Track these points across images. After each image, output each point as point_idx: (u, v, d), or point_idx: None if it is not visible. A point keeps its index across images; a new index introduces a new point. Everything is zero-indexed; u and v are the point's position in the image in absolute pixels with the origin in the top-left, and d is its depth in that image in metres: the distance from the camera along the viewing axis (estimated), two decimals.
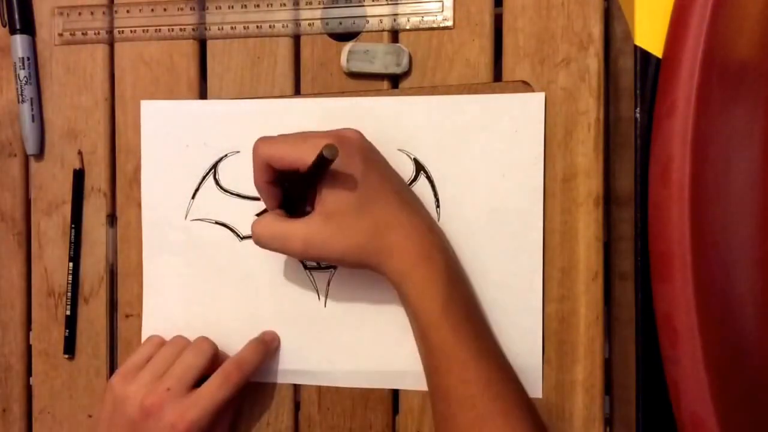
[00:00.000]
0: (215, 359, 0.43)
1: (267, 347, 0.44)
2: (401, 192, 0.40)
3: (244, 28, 0.46)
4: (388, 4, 0.44)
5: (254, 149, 0.39)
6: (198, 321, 0.46)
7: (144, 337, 0.47)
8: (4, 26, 0.48)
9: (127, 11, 0.47)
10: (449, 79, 0.44)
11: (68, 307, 0.47)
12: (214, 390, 0.41)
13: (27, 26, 0.48)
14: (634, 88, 0.40)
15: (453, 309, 0.38)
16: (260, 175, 0.40)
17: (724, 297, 0.36)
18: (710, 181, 0.36)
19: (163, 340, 0.45)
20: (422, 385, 0.43)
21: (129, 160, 0.47)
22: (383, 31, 0.44)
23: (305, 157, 0.37)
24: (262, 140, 0.40)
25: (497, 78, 0.44)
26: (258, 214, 0.44)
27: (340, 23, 0.45)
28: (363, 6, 0.44)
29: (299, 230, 0.38)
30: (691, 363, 0.36)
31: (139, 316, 0.47)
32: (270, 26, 0.45)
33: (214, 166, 0.46)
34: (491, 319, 0.43)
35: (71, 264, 0.47)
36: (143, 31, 0.47)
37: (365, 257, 0.39)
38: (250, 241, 0.45)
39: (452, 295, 0.38)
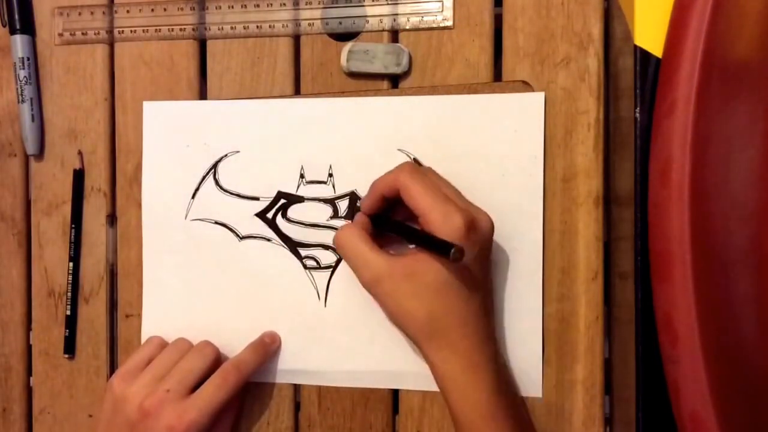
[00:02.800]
0: (217, 363, 0.43)
1: (266, 348, 0.44)
2: (486, 295, 0.40)
3: (244, 28, 0.46)
4: (388, 4, 0.44)
5: (399, 169, 0.39)
6: (198, 321, 0.46)
7: (144, 336, 0.47)
8: (4, 26, 0.48)
9: (127, 11, 0.47)
10: (449, 79, 0.44)
11: (68, 307, 0.47)
12: (212, 391, 0.41)
13: (27, 26, 0.48)
14: (634, 88, 0.40)
15: (495, 421, 0.38)
16: (383, 187, 0.40)
17: (724, 297, 0.36)
18: (710, 181, 0.36)
19: (163, 341, 0.45)
20: (422, 385, 0.43)
21: (129, 160, 0.47)
22: (383, 31, 0.44)
23: (433, 217, 0.37)
24: (411, 168, 0.39)
25: (497, 78, 0.44)
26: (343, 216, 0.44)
27: (340, 23, 0.45)
28: (363, 6, 0.44)
29: (379, 266, 0.38)
30: (691, 363, 0.36)
31: (139, 316, 0.47)
32: (270, 26, 0.45)
33: (214, 166, 0.46)
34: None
35: (71, 264, 0.47)
36: (143, 31, 0.47)
37: (416, 333, 0.39)
38: (250, 241, 0.45)
39: (496, 407, 0.38)
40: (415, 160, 0.44)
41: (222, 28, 0.46)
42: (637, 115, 0.40)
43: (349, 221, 0.43)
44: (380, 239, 0.41)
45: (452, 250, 0.34)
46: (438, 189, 0.39)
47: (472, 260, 0.38)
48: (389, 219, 0.41)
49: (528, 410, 0.43)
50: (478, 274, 0.39)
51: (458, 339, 0.38)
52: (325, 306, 0.45)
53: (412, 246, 0.40)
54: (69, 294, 0.47)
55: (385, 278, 0.38)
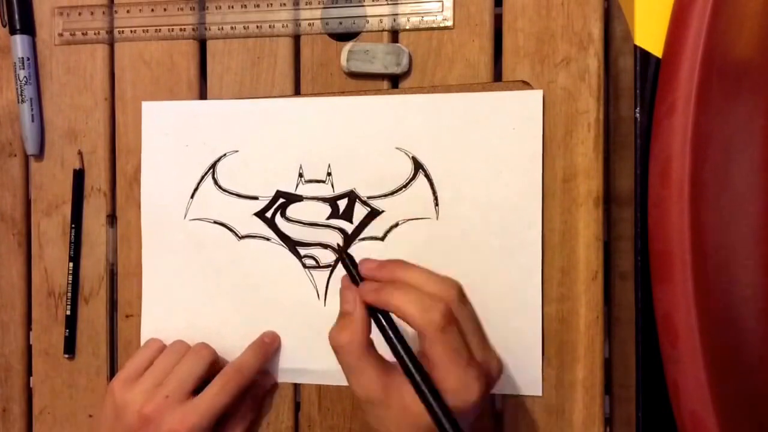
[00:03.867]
0: (215, 365, 0.43)
1: (267, 349, 0.44)
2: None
3: (244, 28, 0.46)
4: (388, 4, 0.44)
5: (429, 322, 0.33)
6: (197, 320, 0.46)
7: (143, 335, 0.47)
8: (4, 26, 0.48)
9: (127, 11, 0.47)
10: (449, 79, 0.44)
11: (68, 307, 0.47)
12: (214, 395, 0.41)
13: (27, 26, 0.48)
14: (634, 88, 0.40)
15: None
16: (400, 313, 0.34)
17: (724, 297, 0.36)
18: (710, 181, 0.36)
19: (162, 344, 0.45)
20: None
21: (129, 160, 0.47)
22: (383, 31, 0.44)
23: (447, 385, 0.33)
24: (445, 324, 0.33)
25: (497, 78, 0.44)
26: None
27: (340, 23, 0.45)
28: (363, 6, 0.44)
29: (375, 390, 0.34)
30: (691, 363, 0.36)
31: (139, 315, 0.47)
32: (270, 26, 0.46)
33: (213, 166, 0.46)
34: (491, 318, 0.43)
35: (71, 264, 0.47)
36: (143, 31, 0.47)
37: None
38: (249, 241, 0.45)
39: None
40: (414, 158, 0.44)
41: (222, 28, 0.46)
42: (637, 115, 0.40)
43: (348, 318, 0.36)
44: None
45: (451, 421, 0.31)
46: (462, 352, 0.34)
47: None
48: (394, 328, 0.35)
49: None
50: (472, 418, 0.35)
51: None
52: (325, 305, 0.45)
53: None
54: (69, 294, 0.47)
55: (378, 404, 0.34)
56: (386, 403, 0.34)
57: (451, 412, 0.32)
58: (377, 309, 0.35)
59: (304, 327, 0.45)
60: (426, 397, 0.33)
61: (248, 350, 0.44)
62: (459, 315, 0.35)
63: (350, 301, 0.36)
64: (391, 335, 0.34)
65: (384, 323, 0.35)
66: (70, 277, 0.47)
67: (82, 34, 0.48)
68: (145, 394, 0.41)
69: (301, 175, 0.45)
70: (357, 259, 0.38)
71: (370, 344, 0.35)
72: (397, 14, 0.44)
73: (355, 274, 0.37)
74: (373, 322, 0.36)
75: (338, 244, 0.42)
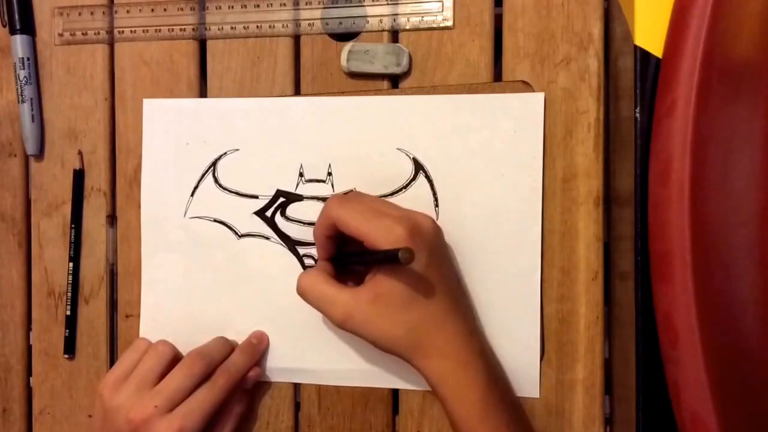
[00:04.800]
0: (206, 379, 0.42)
1: (254, 349, 0.44)
2: (453, 293, 0.40)
3: (244, 28, 0.46)
4: (388, 4, 0.44)
5: (326, 206, 0.40)
6: (196, 318, 0.46)
7: (142, 333, 0.47)
8: (4, 26, 0.48)
9: (127, 11, 0.47)
10: (449, 79, 0.44)
11: (68, 307, 0.47)
12: (203, 397, 0.41)
13: (27, 26, 0.48)
14: (634, 88, 0.40)
15: (492, 416, 0.38)
16: (322, 230, 0.40)
17: (724, 297, 0.36)
18: (710, 181, 0.36)
19: (149, 345, 0.45)
20: (422, 385, 0.43)
21: (129, 160, 0.47)
22: (383, 31, 0.44)
23: (375, 236, 0.37)
24: (337, 200, 0.40)
25: (497, 78, 0.44)
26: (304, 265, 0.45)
27: (340, 23, 0.45)
28: (363, 6, 0.44)
29: (344, 301, 0.39)
30: (691, 363, 0.36)
31: (139, 315, 0.47)
32: (270, 26, 0.46)
33: (214, 164, 0.46)
34: (489, 319, 0.43)
35: (71, 264, 0.47)
36: (143, 31, 0.47)
37: (401, 349, 0.39)
38: (249, 239, 0.45)
39: (491, 401, 0.38)
40: (414, 159, 0.44)
41: (222, 28, 0.46)
42: (637, 115, 0.40)
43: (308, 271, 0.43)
44: (346, 278, 0.42)
45: (399, 253, 0.34)
46: (370, 208, 0.39)
47: (425, 264, 0.38)
48: (344, 254, 0.42)
49: (521, 405, 0.43)
50: (435, 276, 0.38)
51: (442, 342, 0.38)
52: None
53: (369, 274, 0.40)
54: (69, 294, 0.47)
55: (354, 311, 0.38)
56: (359, 309, 0.38)
57: (381, 249, 0.37)
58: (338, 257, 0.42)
59: (304, 326, 0.45)
60: (365, 255, 0.39)
61: (237, 352, 0.44)
62: (351, 197, 0.42)
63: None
64: (342, 256, 0.42)
65: (339, 258, 0.42)
66: (70, 277, 0.47)
67: (82, 34, 0.48)
68: (131, 399, 0.41)
69: (301, 175, 0.45)
70: None
71: (327, 277, 0.40)
72: (397, 14, 0.44)
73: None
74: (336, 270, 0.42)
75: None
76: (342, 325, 0.39)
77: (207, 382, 0.42)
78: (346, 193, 0.44)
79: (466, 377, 0.38)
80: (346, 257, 0.42)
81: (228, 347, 0.44)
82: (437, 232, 0.40)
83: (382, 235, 0.37)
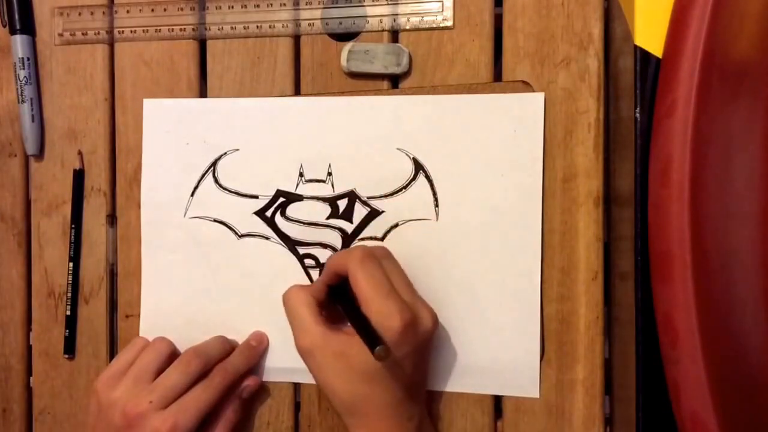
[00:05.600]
0: (202, 377, 0.42)
1: (253, 351, 0.44)
2: (410, 385, 0.39)
3: (244, 28, 0.46)
4: (388, 4, 0.44)
5: (351, 255, 0.39)
6: (196, 318, 0.46)
7: (142, 332, 0.47)
8: (4, 26, 0.48)
9: (127, 11, 0.47)
10: (449, 79, 0.44)
11: (68, 307, 0.47)
12: (198, 395, 0.41)
13: (27, 26, 0.48)
14: (634, 88, 0.40)
15: None
16: (335, 267, 0.40)
17: (724, 297, 0.36)
18: (710, 181, 0.36)
19: (147, 343, 0.45)
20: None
21: (129, 160, 0.47)
22: (383, 31, 0.44)
23: (373, 312, 0.37)
24: (360, 257, 0.39)
25: (497, 78, 0.44)
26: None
27: (340, 23, 0.45)
28: (363, 6, 0.44)
29: (314, 336, 0.39)
30: (691, 363, 0.36)
31: (139, 315, 0.47)
32: (270, 26, 0.46)
33: (214, 164, 0.46)
34: (489, 319, 0.43)
35: (71, 264, 0.47)
36: (143, 31, 0.47)
37: (337, 406, 0.39)
38: (249, 239, 0.45)
39: None
40: (414, 159, 0.44)
41: (222, 28, 0.46)
42: (637, 115, 0.40)
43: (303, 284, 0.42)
44: (332, 309, 0.41)
45: (376, 349, 0.34)
46: (383, 283, 0.38)
47: (404, 355, 0.38)
48: (344, 292, 0.40)
49: None
50: (407, 368, 0.38)
51: (376, 420, 0.38)
52: None
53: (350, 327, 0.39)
54: (69, 294, 0.47)
55: (317, 351, 0.38)
56: (322, 351, 0.38)
57: (369, 328, 0.36)
58: (337, 289, 0.41)
59: None
60: (355, 318, 0.37)
61: (236, 353, 0.44)
62: (382, 260, 0.40)
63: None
64: (340, 295, 0.40)
65: (336, 294, 0.41)
66: (70, 277, 0.47)
67: (82, 34, 0.48)
68: (128, 394, 0.41)
69: (301, 175, 0.45)
70: None
71: (313, 302, 0.40)
72: (397, 14, 0.44)
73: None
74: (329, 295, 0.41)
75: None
76: (301, 353, 0.40)
77: (203, 380, 0.42)
78: (372, 248, 0.41)
79: None
80: (342, 300, 0.40)
81: (227, 346, 0.44)
82: (432, 331, 0.40)
83: (378, 316, 0.37)
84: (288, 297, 0.41)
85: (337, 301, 0.41)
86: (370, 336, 0.35)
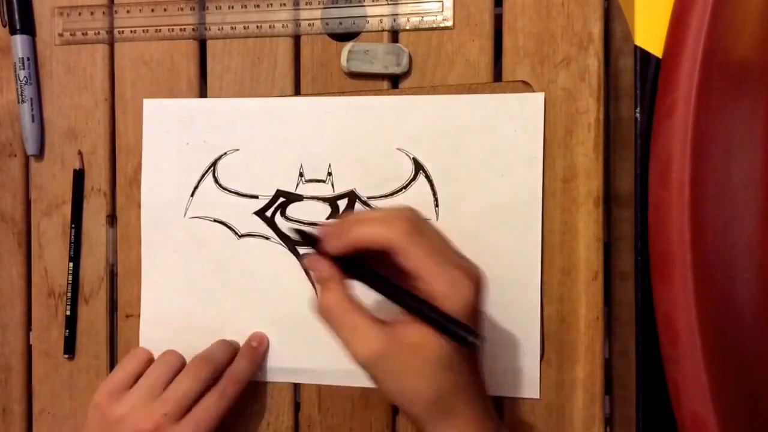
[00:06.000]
0: (213, 383, 0.42)
1: (255, 352, 0.44)
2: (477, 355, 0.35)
3: (244, 28, 0.46)
4: (388, 4, 0.44)
5: (396, 227, 0.32)
6: (196, 318, 0.46)
7: (142, 332, 0.47)
8: (4, 26, 0.48)
9: (127, 11, 0.47)
10: (449, 79, 0.44)
11: (68, 307, 0.47)
12: (212, 406, 0.41)
13: (27, 26, 0.48)
14: (634, 88, 0.40)
15: None
16: (368, 242, 0.32)
17: (724, 297, 0.36)
18: (710, 181, 0.36)
19: (148, 354, 0.45)
20: None
21: (129, 160, 0.47)
22: (383, 31, 0.44)
23: (437, 287, 0.31)
24: (411, 229, 0.32)
25: (497, 78, 0.44)
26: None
27: (340, 23, 0.45)
28: (363, 6, 0.44)
29: (378, 342, 0.32)
30: (691, 363, 0.36)
31: (139, 315, 0.47)
32: (270, 26, 0.46)
33: (214, 164, 0.46)
34: (489, 319, 0.43)
35: (71, 264, 0.47)
36: (143, 31, 0.47)
37: (421, 412, 0.33)
38: (249, 239, 0.45)
39: None
40: (414, 159, 0.44)
41: (222, 28, 0.46)
42: (637, 115, 0.39)
43: (325, 284, 0.34)
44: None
45: (470, 338, 0.29)
46: (441, 250, 0.33)
47: (475, 323, 0.33)
48: (369, 271, 0.34)
49: None
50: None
51: (470, 416, 0.33)
52: None
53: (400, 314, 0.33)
54: (69, 294, 0.47)
55: (387, 355, 0.32)
56: (391, 353, 0.32)
57: (449, 315, 0.31)
58: (349, 261, 0.34)
59: (303, 326, 0.45)
60: (422, 309, 0.31)
61: (240, 357, 0.44)
62: (423, 227, 0.33)
63: (321, 268, 0.34)
64: (370, 274, 0.33)
65: (359, 271, 0.34)
66: (70, 277, 0.47)
67: (82, 34, 0.48)
68: (140, 410, 0.40)
69: (301, 175, 0.45)
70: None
71: (357, 301, 0.33)
72: (397, 14, 0.44)
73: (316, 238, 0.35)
74: (352, 280, 0.34)
75: (291, 229, 0.36)
76: (362, 363, 0.33)
77: (214, 388, 0.41)
78: (406, 212, 0.34)
79: None
80: (377, 282, 0.33)
81: (230, 349, 0.44)
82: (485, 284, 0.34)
83: (446, 289, 0.31)
84: (326, 308, 0.34)
85: (362, 279, 0.34)
86: (451, 324, 0.30)
